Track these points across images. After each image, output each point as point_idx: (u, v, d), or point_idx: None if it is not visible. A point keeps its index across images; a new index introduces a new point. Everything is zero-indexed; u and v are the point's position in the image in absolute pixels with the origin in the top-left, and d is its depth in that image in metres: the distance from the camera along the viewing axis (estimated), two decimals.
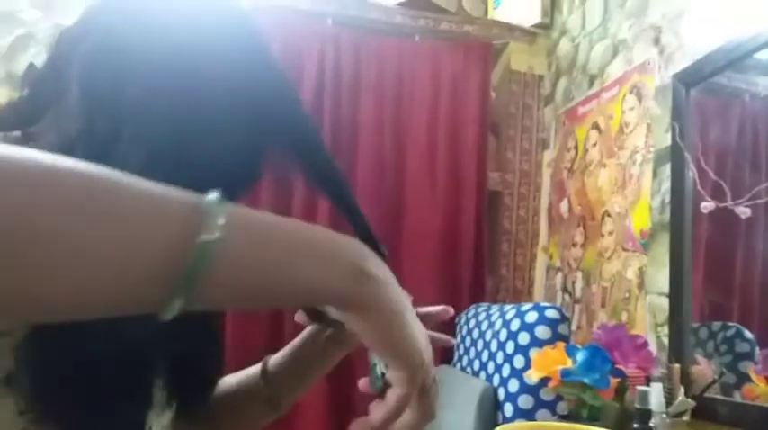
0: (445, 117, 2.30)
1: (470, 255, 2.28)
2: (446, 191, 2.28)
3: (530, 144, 2.46)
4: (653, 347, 1.58)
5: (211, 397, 0.71)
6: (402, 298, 0.47)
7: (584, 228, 2.11)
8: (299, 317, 0.66)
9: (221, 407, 0.72)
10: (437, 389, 0.50)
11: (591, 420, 1.33)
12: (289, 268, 0.42)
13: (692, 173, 1.54)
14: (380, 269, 0.46)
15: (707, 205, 1.45)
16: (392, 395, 0.46)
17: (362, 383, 0.54)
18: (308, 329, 0.72)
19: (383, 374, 0.50)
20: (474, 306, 2.05)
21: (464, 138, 2.31)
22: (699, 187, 1.48)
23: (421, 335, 0.47)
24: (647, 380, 1.36)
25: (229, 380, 0.75)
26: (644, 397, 1.16)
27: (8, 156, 0.35)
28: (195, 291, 0.38)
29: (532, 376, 1.39)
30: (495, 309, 1.88)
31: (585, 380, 1.31)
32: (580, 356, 1.34)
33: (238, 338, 1.94)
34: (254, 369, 0.74)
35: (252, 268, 0.40)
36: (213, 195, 0.40)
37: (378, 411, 0.47)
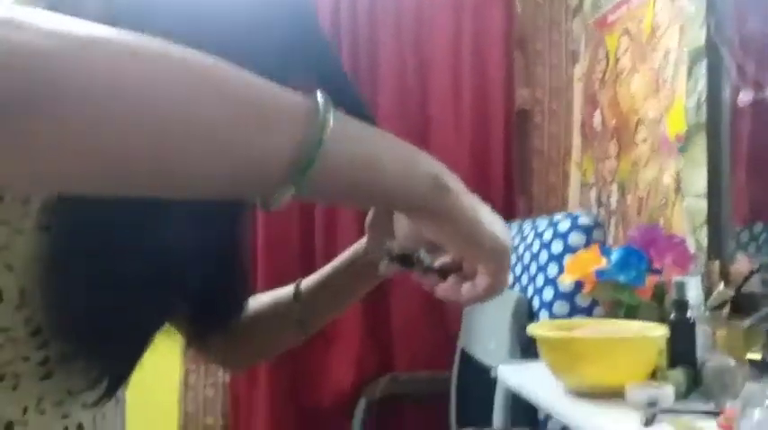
0: (469, 33, 2.23)
1: (500, 175, 2.25)
2: (473, 110, 2.24)
3: (559, 58, 2.38)
4: (691, 249, 1.54)
5: (238, 316, 0.71)
6: (475, 200, 0.50)
7: (618, 139, 2.06)
8: (384, 268, 0.63)
9: (252, 324, 0.73)
10: (509, 267, 0.55)
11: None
12: (378, 168, 0.44)
13: (728, 67, 1.47)
14: (453, 179, 0.48)
15: (745, 97, 1.39)
16: (482, 282, 0.52)
17: (423, 280, 0.58)
18: (344, 255, 0.72)
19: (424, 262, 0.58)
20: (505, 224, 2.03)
21: (490, 54, 2.24)
22: (737, 80, 1.42)
23: (500, 228, 0.51)
24: None
25: (262, 299, 0.75)
26: (681, 288, 1.13)
27: (154, 49, 0.37)
28: (307, 182, 0.41)
29: (566, 279, 1.38)
30: (527, 224, 1.86)
31: (621, 279, 1.29)
32: (615, 256, 1.31)
33: (271, 266, 1.96)
34: (287, 290, 0.74)
35: (350, 164, 0.43)
36: (320, 94, 0.42)
37: (467, 292, 0.53)
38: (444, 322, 2.13)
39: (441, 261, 0.59)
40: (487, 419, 1.58)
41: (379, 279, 0.70)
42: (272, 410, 2.04)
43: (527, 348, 1.60)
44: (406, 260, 0.61)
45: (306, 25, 0.59)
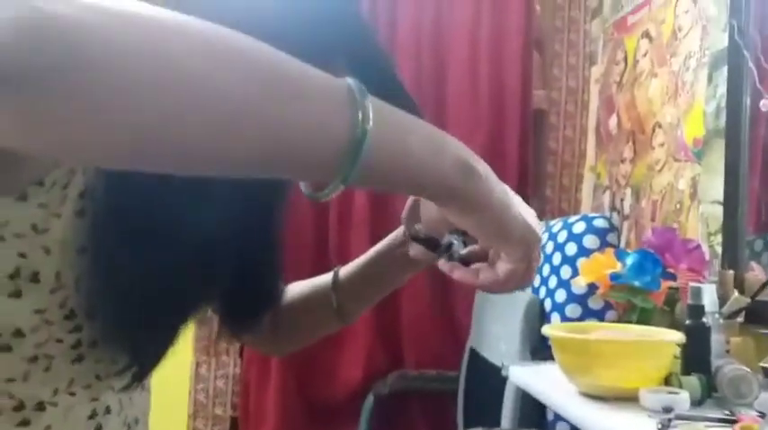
0: (487, 33, 2.23)
1: (514, 177, 2.24)
2: (489, 111, 2.23)
3: (576, 59, 2.37)
4: (706, 256, 1.53)
5: (272, 306, 0.71)
6: (504, 187, 0.49)
7: (634, 142, 2.05)
8: (414, 251, 0.64)
9: (290, 312, 0.73)
10: (540, 259, 0.54)
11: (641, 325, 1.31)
12: (407, 152, 0.44)
13: (750, 72, 1.46)
14: (484, 167, 0.48)
15: (767, 102, 1.38)
16: (503, 267, 0.51)
17: (443, 264, 0.58)
18: (381, 245, 0.72)
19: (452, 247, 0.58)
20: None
21: (507, 54, 2.24)
22: (758, 85, 1.41)
23: (529, 216, 0.50)
24: None
25: (298, 288, 0.75)
26: (697, 293, 1.13)
27: (196, 28, 0.37)
28: (355, 172, 0.41)
29: (580, 281, 1.38)
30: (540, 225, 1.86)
31: (636, 283, 1.29)
32: (630, 259, 1.31)
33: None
34: (325, 278, 0.74)
35: (383, 149, 0.42)
36: (355, 81, 0.42)
37: (486, 276, 0.53)
38: (454, 322, 2.13)
39: (468, 249, 0.59)
40: (494, 418, 1.58)
41: (415, 268, 0.70)
42: (281, 402, 2.05)
43: (537, 350, 1.60)
44: (431, 243, 0.62)
45: (345, 7, 0.58)
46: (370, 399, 1.99)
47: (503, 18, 2.23)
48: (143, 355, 0.56)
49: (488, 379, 1.72)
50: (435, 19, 2.22)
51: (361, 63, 0.57)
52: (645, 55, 2.01)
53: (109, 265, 0.50)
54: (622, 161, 2.12)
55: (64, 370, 0.53)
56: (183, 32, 0.37)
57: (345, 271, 0.74)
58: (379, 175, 0.43)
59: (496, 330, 1.68)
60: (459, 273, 0.56)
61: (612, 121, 2.19)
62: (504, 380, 1.46)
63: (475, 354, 1.90)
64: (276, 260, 0.69)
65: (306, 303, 0.74)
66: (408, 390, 2.06)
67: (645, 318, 1.33)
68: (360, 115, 0.40)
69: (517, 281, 0.52)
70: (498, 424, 1.57)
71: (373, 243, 0.73)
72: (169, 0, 0.43)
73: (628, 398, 1.02)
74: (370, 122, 0.40)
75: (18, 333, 0.50)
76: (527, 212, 0.51)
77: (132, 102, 0.35)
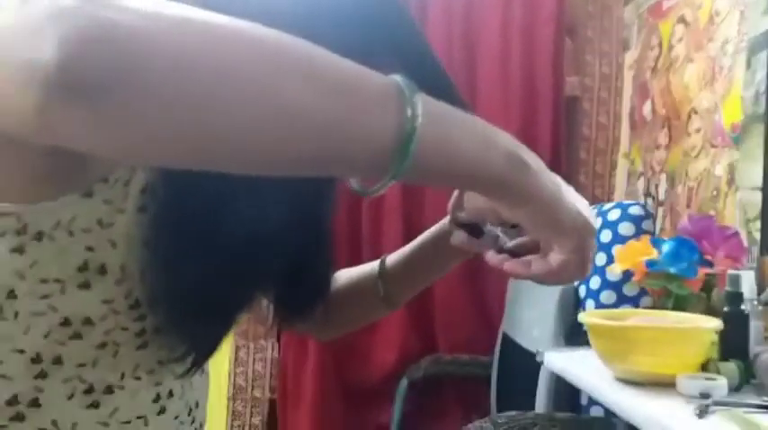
0: (519, 19, 2.22)
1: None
2: (520, 97, 2.23)
3: (609, 45, 2.35)
4: (744, 243, 1.53)
5: (324, 295, 0.72)
6: (556, 179, 0.49)
7: (669, 128, 2.03)
8: (457, 239, 0.65)
9: (339, 298, 0.75)
10: (595, 250, 0.54)
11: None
12: (458, 147, 0.44)
13: None
14: (534, 158, 0.48)
15: None
16: (556, 258, 0.51)
17: (491, 256, 0.58)
18: (427, 233, 0.73)
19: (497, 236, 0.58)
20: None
21: (539, 40, 2.23)
22: None
23: (582, 207, 0.50)
24: None
25: (346, 275, 0.77)
26: (735, 280, 1.13)
27: (249, 31, 0.38)
28: (405, 168, 0.41)
29: (615, 269, 1.38)
30: None
31: (672, 270, 1.29)
32: (666, 247, 1.31)
33: None
34: (372, 266, 0.76)
35: (433, 145, 0.43)
36: (403, 78, 0.42)
37: (539, 267, 0.53)
38: (486, 307, 2.15)
39: (516, 241, 0.59)
40: (526, 403, 1.59)
41: (461, 257, 0.71)
42: (318, 385, 2.09)
43: (571, 336, 1.61)
44: (474, 229, 0.62)
45: (389, 4, 0.59)
46: (404, 383, 2.02)
47: (534, 4, 2.22)
48: (201, 342, 0.58)
49: (521, 364, 1.73)
50: (466, 5, 2.22)
51: (407, 58, 0.58)
52: (680, 40, 1.99)
53: (169, 258, 0.53)
54: (657, 147, 2.10)
55: (129, 356, 0.56)
56: (237, 36, 0.38)
57: (392, 259, 0.75)
58: (430, 171, 0.44)
59: (530, 316, 1.70)
60: (509, 265, 0.56)
61: (647, 107, 2.18)
62: (537, 365, 1.48)
63: (508, 340, 1.92)
64: (327, 251, 0.71)
65: (354, 290, 0.76)
66: (441, 375, 2.08)
67: (681, 304, 1.33)
68: (409, 112, 0.41)
69: (571, 272, 0.52)
70: (532, 408, 1.59)
71: (405, 229, 0.75)
72: (218, 1, 0.45)
73: (665, 384, 1.03)
74: (420, 119, 0.41)
75: (88, 321, 0.53)
76: (580, 203, 0.51)
77: (192, 106, 0.36)
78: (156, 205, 0.52)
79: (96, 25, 0.34)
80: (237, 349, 2.17)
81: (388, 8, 0.59)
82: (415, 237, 0.75)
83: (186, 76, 0.36)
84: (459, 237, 0.64)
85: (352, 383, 2.14)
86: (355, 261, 0.81)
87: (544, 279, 0.54)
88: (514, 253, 0.58)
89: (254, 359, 2.18)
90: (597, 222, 1.68)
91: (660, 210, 2.04)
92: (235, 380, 2.17)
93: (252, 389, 2.18)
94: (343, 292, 0.76)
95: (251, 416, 2.18)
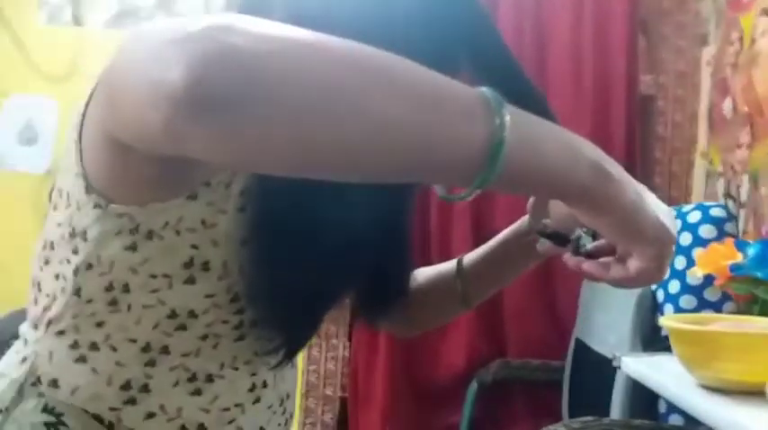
0: (590, 16, 2.18)
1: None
2: (593, 97, 2.18)
3: (686, 41, 2.27)
4: None
5: (404, 293, 0.75)
6: (638, 187, 0.50)
7: (752, 126, 1.95)
8: (542, 247, 0.66)
9: (417, 297, 0.77)
10: (673, 256, 0.54)
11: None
12: (542, 156, 0.46)
13: None
14: (616, 167, 0.49)
15: None
16: (634, 265, 0.52)
17: (569, 258, 0.59)
18: (505, 233, 0.74)
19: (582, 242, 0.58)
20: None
21: (611, 38, 2.18)
22: None
23: (664, 215, 0.51)
24: None
25: (425, 274, 0.79)
26: None
27: (338, 46, 0.41)
28: (492, 177, 0.43)
29: (697, 272, 1.34)
30: None
31: (758, 274, 1.24)
32: (752, 250, 1.26)
33: None
34: (450, 265, 0.78)
35: (519, 155, 0.44)
36: (491, 90, 0.44)
37: (617, 271, 0.53)
38: (556, 311, 2.11)
39: (594, 244, 0.60)
40: (600, 409, 1.56)
41: (538, 258, 0.71)
42: (388, 385, 2.11)
43: (650, 341, 1.57)
44: (560, 238, 0.63)
45: (472, 14, 0.61)
46: (473, 386, 2.01)
47: (605, 3, 2.17)
48: (294, 336, 0.62)
49: (595, 369, 1.70)
50: (536, 8, 2.19)
51: (490, 66, 0.59)
52: (764, 33, 1.90)
53: (267, 257, 0.56)
54: (738, 146, 2.02)
55: (228, 347, 0.60)
56: (337, 56, 0.41)
57: (470, 258, 0.77)
58: (516, 180, 0.45)
59: (605, 321, 1.66)
60: (588, 266, 0.56)
61: (727, 105, 2.09)
62: (611, 371, 1.45)
63: (581, 344, 1.88)
64: (407, 250, 0.73)
65: (432, 289, 0.78)
66: (511, 379, 2.06)
67: (767, 310, 1.28)
68: (497, 123, 0.42)
69: (648, 278, 0.53)
70: (604, 414, 1.55)
71: (475, 231, 0.75)
72: (311, 16, 0.47)
73: (753, 392, 0.99)
74: (507, 130, 0.42)
75: (192, 314, 0.57)
76: (662, 211, 0.51)
77: (304, 121, 0.39)
78: (254, 207, 0.55)
79: (219, 49, 0.37)
80: (310, 347, 2.21)
81: (470, 18, 0.61)
82: (485, 239, 0.76)
83: (296, 92, 0.39)
84: (545, 246, 0.65)
85: (421, 384, 2.14)
86: (424, 262, 0.82)
87: (621, 283, 0.54)
88: (591, 254, 0.58)
89: (326, 358, 2.22)
90: (677, 225, 1.63)
91: (742, 211, 1.96)
92: (307, 377, 2.22)
93: (323, 387, 2.22)
94: (422, 291, 0.77)
95: (322, 414, 2.22)
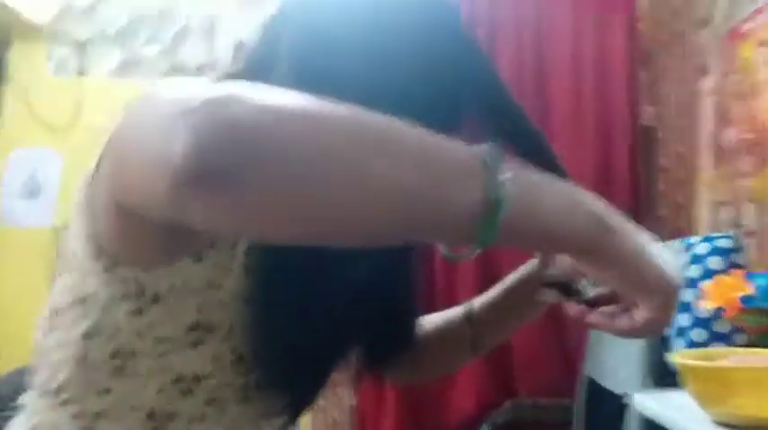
0: (591, 51, 2.20)
1: (626, 198, 2.17)
2: (596, 130, 2.19)
3: (686, 72, 2.27)
4: None
5: (410, 346, 0.74)
6: (641, 238, 0.50)
7: (755, 155, 1.93)
8: (543, 295, 0.66)
9: (425, 346, 0.76)
10: (678, 305, 0.53)
11: None
12: (543, 214, 0.46)
13: None
14: (616, 219, 0.49)
15: None
16: (640, 315, 0.51)
17: (572, 307, 0.58)
18: (512, 280, 0.74)
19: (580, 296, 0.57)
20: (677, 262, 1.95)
21: (613, 72, 2.19)
22: None
23: (668, 265, 0.50)
24: None
25: (433, 320, 0.78)
26: None
27: (333, 113, 0.41)
28: (492, 236, 0.43)
29: (707, 305, 1.31)
30: None
31: None
32: (763, 281, 1.23)
33: None
34: (457, 312, 0.77)
35: (519, 213, 0.44)
36: (489, 147, 0.45)
37: (623, 322, 0.53)
38: (566, 348, 2.07)
39: (596, 291, 0.58)
40: None
41: (545, 305, 0.70)
42: None
43: (661, 377, 1.53)
44: (564, 288, 0.62)
45: (471, 57, 0.61)
46: (484, 429, 1.96)
47: (606, 36, 2.19)
48: (300, 395, 0.60)
49: (606, 407, 1.65)
50: (535, 37, 2.21)
51: (490, 106, 0.59)
52: (765, 64, 1.90)
53: (271, 316, 0.56)
54: (743, 175, 2.00)
55: (234, 410, 0.59)
56: (334, 123, 0.41)
57: (478, 303, 0.75)
58: (516, 237, 0.45)
59: (615, 357, 1.62)
60: (593, 318, 0.55)
61: (729, 134, 2.09)
62: (622, 408, 1.40)
63: (591, 382, 1.84)
64: (414, 304, 0.72)
65: (440, 336, 0.76)
66: (523, 420, 2.01)
67: None
68: (495, 184, 0.42)
69: (654, 328, 0.52)
70: None
71: (480, 275, 0.74)
72: (319, 67, 0.47)
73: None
74: (505, 190, 0.42)
75: (197, 378, 0.56)
76: (666, 260, 0.50)
77: (304, 191, 0.39)
78: (258, 265, 0.55)
79: (220, 123, 0.38)
80: None
81: (473, 67, 0.61)
82: (490, 285, 0.74)
83: (295, 164, 0.39)
84: (551, 295, 0.64)
85: None
86: (430, 308, 0.80)
87: (627, 334, 0.53)
88: (593, 302, 0.57)
89: (333, 406, 2.17)
90: (685, 259, 1.61)
91: (748, 241, 1.94)
92: (314, 427, 2.17)
93: None
94: (430, 339, 0.76)
95: None
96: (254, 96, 0.40)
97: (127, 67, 2.38)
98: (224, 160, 0.37)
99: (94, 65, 2.39)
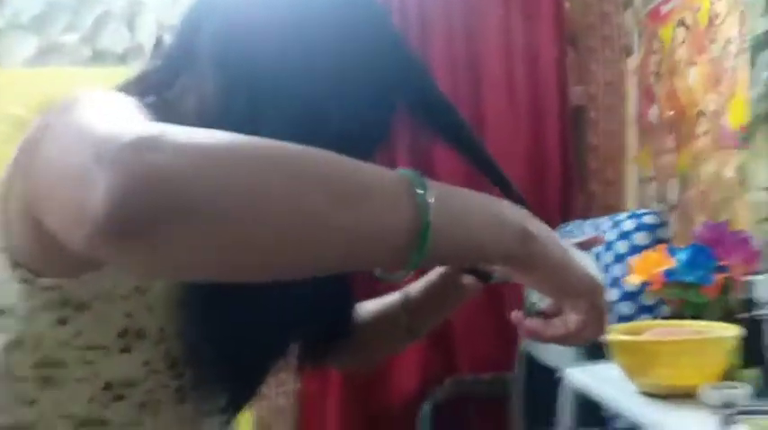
0: (520, 35, 2.23)
1: (558, 175, 2.24)
2: (527, 112, 2.23)
3: (612, 53, 2.35)
4: (757, 244, 1.51)
5: (347, 334, 0.75)
6: (562, 244, 0.52)
7: (677, 132, 2.02)
8: (467, 280, 0.70)
9: (363, 333, 0.77)
10: (610, 308, 0.54)
11: (694, 319, 1.30)
12: (469, 232, 0.47)
13: None
14: (539, 227, 0.50)
15: None
16: (572, 319, 0.53)
17: (515, 315, 0.59)
18: (441, 270, 0.75)
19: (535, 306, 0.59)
20: (563, 225, 2.02)
21: (541, 54, 2.24)
22: None
23: (589, 268, 0.52)
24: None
25: (369, 308, 0.79)
26: (750, 286, 1.12)
27: (256, 145, 0.41)
28: (422, 258, 0.44)
29: (633, 280, 1.37)
30: (588, 224, 1.85)
31: (689, 279, 1.28)
32: (683, 255, 1.30)
33: None
34: (391, 298, 0.78)
35: (447, 232, 0.45)
36: (412, 172, 0.45)
37: (555, 329, 0.54)
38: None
39: (547, 303, 0.60)
40: (552, 420, 1.58)
41: (474, 292, 0.73)
42: (341, 414, 2.08)
43: (593, 350, 1.59)
44: (478, 274, 0.67)
45: (404, 60, 0.61)
46: (426, 407, 2.01)
47: (534, 19, 2.23)
48: (240, 392, 0.60)
49: (544, 380, 1.72)
50: (467, 26, 2.23)
51: (424, 107, 0.60)
52: (682, 43, 1.98)
53: (204, 317, 0.55)
54: (666, 151, 2.09)
55: (170, 412, 0.59)
56: (259, 160, 0.41)
57: (412, 291, 0.77)
58: (445, 255, 0.48)
59: None
60: (528, 324, 0.56)
61: (653, 112, 2.17)
62: (557, 381, 1.47)
63: (529, 357, 1.90)
64: (348, 294, 0.73)
65: (377, 323, 0.78)
66: (464, 396, 2.07)
67: (697, 311, 1.32)
68: (420, 207, 0.44)
69: (589, 331, 0.53)
70: (555, 425, 1.57)
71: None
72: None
73: (688, 396, 1.02)
74: (432, 212, 0.44)
75: (129, 383, 0.56)
76: (586, 262, 0.53)
77: (224, 241, 0.39)
78: None
79: (137, 175, 0.37)
80: None
81: (400, 59, 0.60)
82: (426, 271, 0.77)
83: (217, 211, 0.39)
84: (468, 280, 0.68)
85: (376, 411, 2.13)
86: (368, 295, 0.82)
87: (563, 340, 0.55)
88: (545, 315, 0.58)
89: (276, 393, 2.18)
90: (614, 235, 1.67)
91: (673, 214, 2.03)
92: (258, 413, 2.17)
93: (275, 423, 2.17)
94: (368, 325, 0.77)
95: None
96: (174, 141, 0.39)
97: (43, 56, 2.28)
98: (139, 214, 0.37)
99: (7, 53, 2.28)
